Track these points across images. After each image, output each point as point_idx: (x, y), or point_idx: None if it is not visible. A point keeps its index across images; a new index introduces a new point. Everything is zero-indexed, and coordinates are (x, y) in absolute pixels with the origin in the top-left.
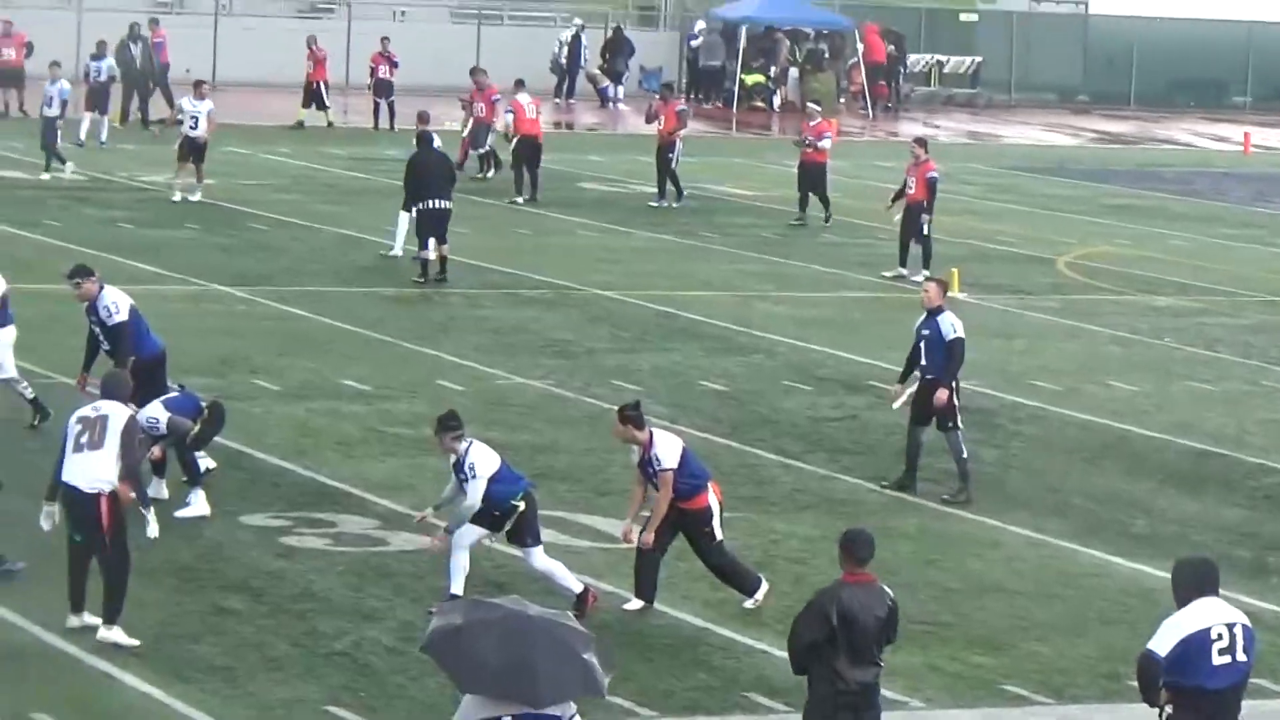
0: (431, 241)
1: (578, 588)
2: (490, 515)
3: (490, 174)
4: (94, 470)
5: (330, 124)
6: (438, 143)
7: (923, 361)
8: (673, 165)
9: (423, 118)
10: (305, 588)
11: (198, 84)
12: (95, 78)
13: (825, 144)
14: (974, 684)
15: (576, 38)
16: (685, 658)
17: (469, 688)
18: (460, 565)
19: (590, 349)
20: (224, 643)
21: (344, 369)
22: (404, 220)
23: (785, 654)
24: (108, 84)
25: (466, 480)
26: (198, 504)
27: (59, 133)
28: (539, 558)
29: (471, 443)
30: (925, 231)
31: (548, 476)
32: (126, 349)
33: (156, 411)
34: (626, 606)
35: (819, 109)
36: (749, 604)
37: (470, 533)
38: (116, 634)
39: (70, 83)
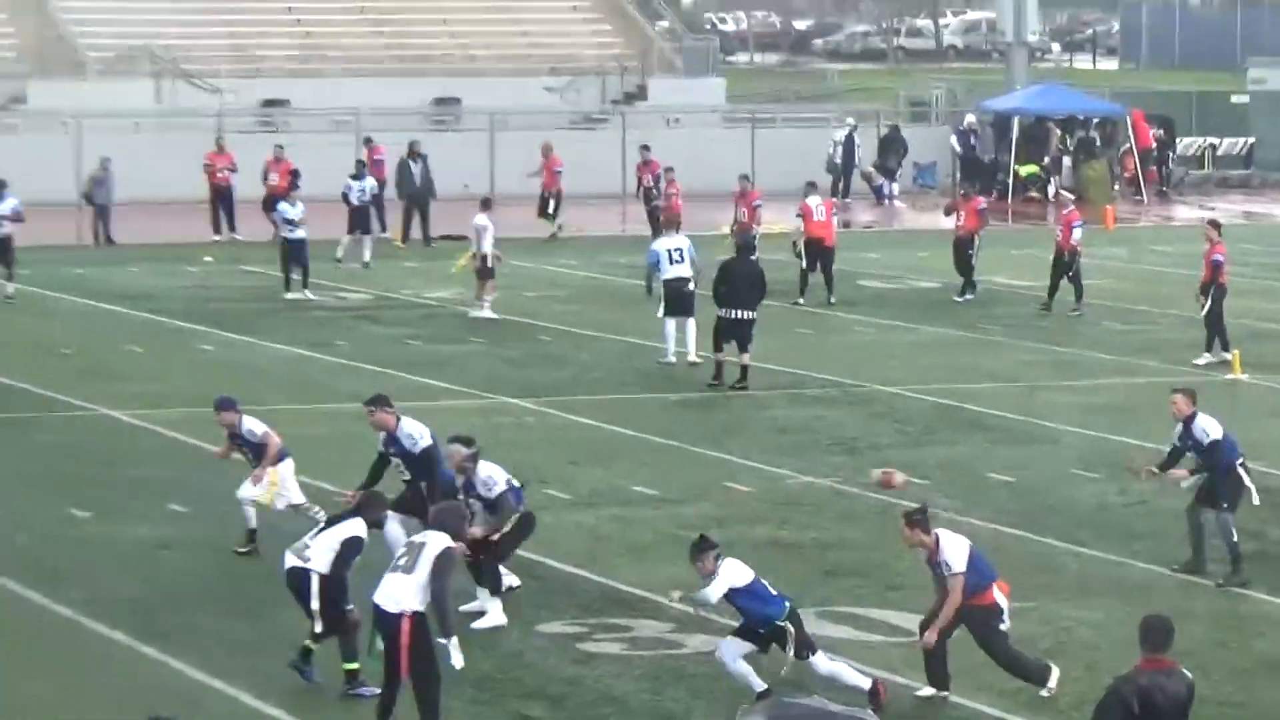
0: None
1: (866, 684)
2: (755, 633)
3: None
4: (400, 592)
5: (554, 235)
6: (756, 254)
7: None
8: (973, 261)
9: (744, 227)
10: (604, 693)
11: (486, 201)
12: (359, 198)
13: (1077, 233)
14: None
15: (850, 138)
16: None
17: None
18: (741, 671)
19: (874, 444)
20: None
21: (632, 475)
22: (669, 326)
23: None
24: (368, 205)
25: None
26: (494, 614)
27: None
28: (822, 664)
29: (723, 560)
30: (1204, 312)
31: (837, 573)
32: (437, 473)
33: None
34: (919, 693)
35: (1071, 198)
36: (1044, 693)
37: (735, 646)
38: None
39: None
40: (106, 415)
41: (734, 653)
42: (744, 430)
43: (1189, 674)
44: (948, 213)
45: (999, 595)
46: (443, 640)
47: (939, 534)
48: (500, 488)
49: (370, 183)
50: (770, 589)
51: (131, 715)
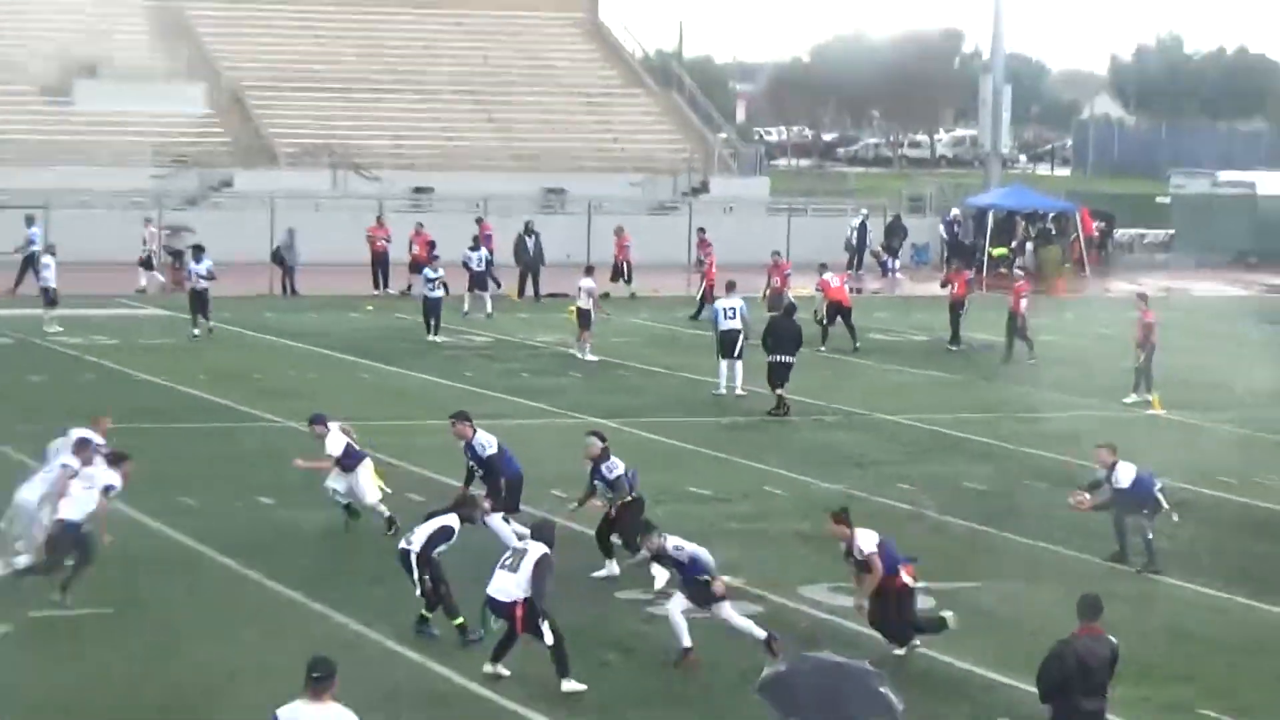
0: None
1: (763, 634)
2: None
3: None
4: (508, 586)
5: (633, 295)
6: (796, 314)
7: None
8: (961, 320)
9: (776, 292)
10: (663, 645)
11: (589, 268)
12: (477, 265)
13: (1024, 302)
14: (1176, 710)
15: (863, 224)
16: (954, 692)
17: (789, 716)
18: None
19: (878, 461)
20: (605, 687)
21: (689, 479)
22: (723, 366)
23: (1033, 688)
24: (484, 271)
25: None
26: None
27: (440, 305)
28: (732, 615)
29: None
30: (1139, 362)
31: (840, 558)
32: (500, 475)
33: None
34: (896, 652)
35: (1021, 273)
36: (950, 622)
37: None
38: (568, 685)
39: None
40: (289, 426)
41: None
42: (778, 447)
43: (1114, 640)
44: (944, 285)
45: (906, 577)
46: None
47: (855, 529)
48: (619, 472)
49: (483, 252)
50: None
51: (301, 656)
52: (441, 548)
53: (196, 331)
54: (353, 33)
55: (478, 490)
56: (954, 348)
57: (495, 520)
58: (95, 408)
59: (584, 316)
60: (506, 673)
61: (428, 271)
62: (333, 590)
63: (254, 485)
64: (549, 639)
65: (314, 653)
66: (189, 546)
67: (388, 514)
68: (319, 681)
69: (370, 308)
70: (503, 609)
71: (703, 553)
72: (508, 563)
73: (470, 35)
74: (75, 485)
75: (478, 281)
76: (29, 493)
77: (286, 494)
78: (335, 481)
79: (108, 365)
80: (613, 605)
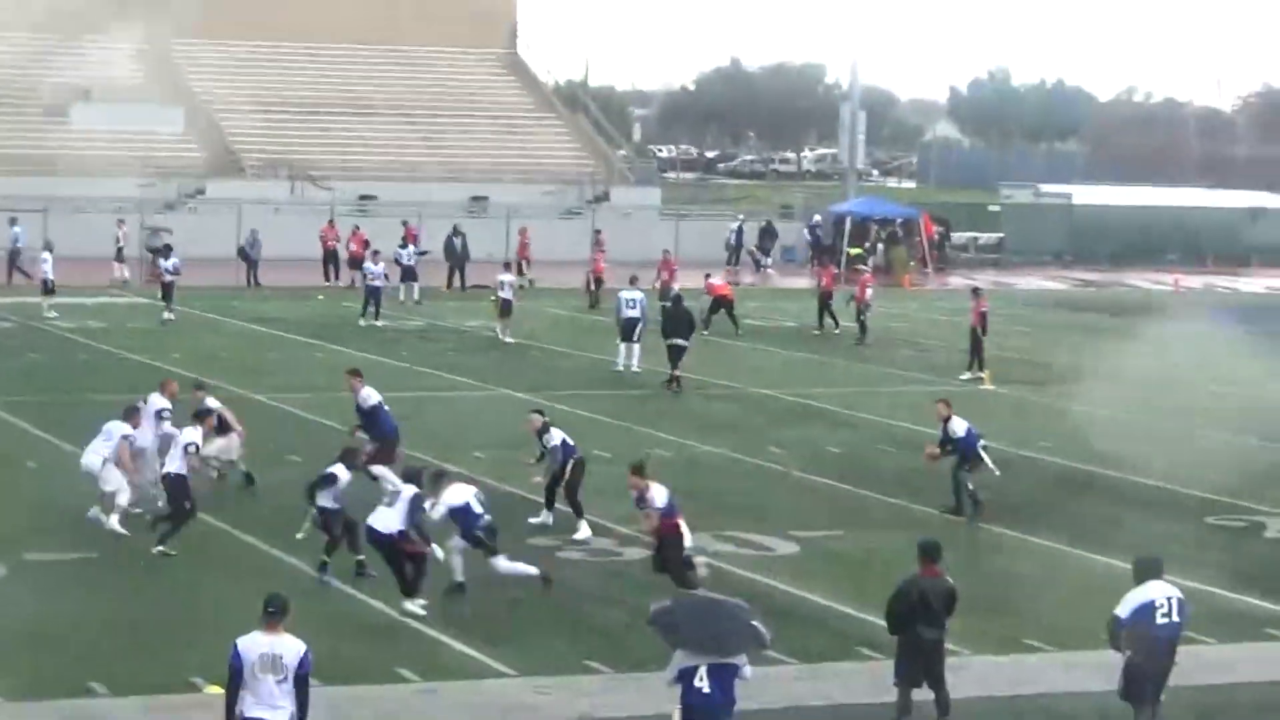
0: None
1: (536, 571)
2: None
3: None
4: (387, 520)
5: (530, 282)
6: (687, 302)
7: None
8: (832, 307)
9: (665, 284)
10: (569, 584)
11: (508, 264)
12: (403, 260)
13: (869, 292)
14: (1004, 639)
15: (740, 228)
16: (816, 625)
17: (678, 646)
18: (512, 568)
19: (752, 427)
20: (518, 621)
21: (593, 443)
22: (623, 348)
23: (883, 621)
24: (413, 265)
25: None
26: (584, 530)
27: (381, 293)
28: (502, 564)
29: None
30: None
31: (725, 510)
32: (379, 427)
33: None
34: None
35: (866, 268)
36: (699, 567)
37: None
38: (410, 604)
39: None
40: (252, 397)
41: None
42: (668, 416)
43: (951, 580)
44: (818, 279)
45: (683, 526)
46: (428, 548)
47: (651, 483)
48: (555, 443)
49: (412, 249)
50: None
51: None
52: (327, 492)
53: (166, 315)
54: (310, 64)
55: (359, 443)
56: (818, 331)
57: (378, 468)
58: (89, 383)
59: (505, 305)
60: (422, 608)
61: (368, 265)
62: (288, 537)
63: None
64: (437, 554)
65: (270, 590)
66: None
67: (246, 470)
68: (273, 615)
69: (321, 297)
70: (381, 540)
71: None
72: (387, 501)
73: (407, 67)
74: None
75: (408, 274)
76: (92, 459)
77: (249, 454)
78: (210, 447)
79: (98, 346)
80: (523, 551)
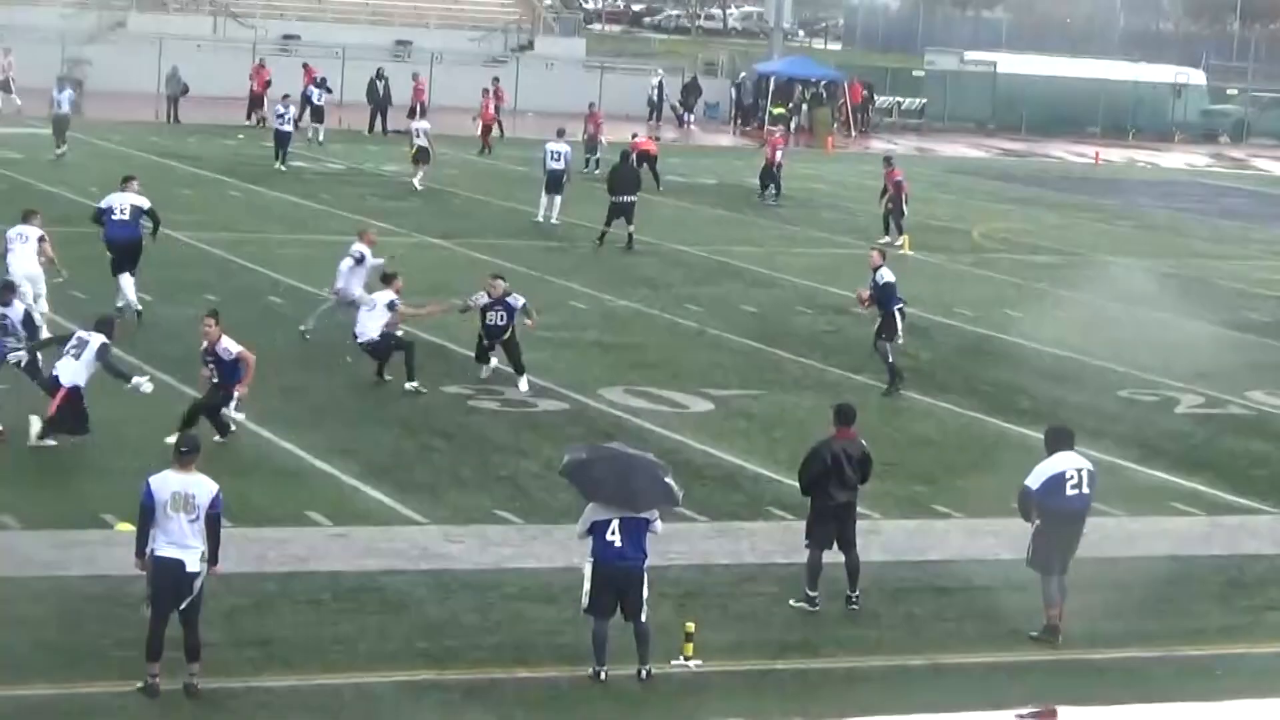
0: (621, 221)
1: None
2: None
3: (596, 170)
4: (70, 371)
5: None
6: (632, 160)
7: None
8: (775, 172)
9: (593, 139)
10: (481, 434)
11: (413, 111)
12: (314, 100)
13: (779, 153)
14: (914, 505)
15: (661, 84)
16: (728, 484)
17: (591, 498)
18: None
19: (668, 284)
20: (429, 469)
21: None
22: (544, 198)
23: (795, 482)
24: (321, 107)
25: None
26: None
27: (290, 138)
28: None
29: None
30: (886, 210)
31: (640, 366)
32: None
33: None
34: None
35: (777, 129)
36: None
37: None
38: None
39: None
40: (166, 234)
41: None
42: (584, 269)
43: (865, 443)
44: (765, 144)
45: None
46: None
47: (224, 336)
48: (523, 301)
49: (320, 91)
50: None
51: (169, 432)
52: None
53: (59, 151)
54: None
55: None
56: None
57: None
58: (9, 212)
59: (421, 153)
60: (53, 442)
61: (278, 107)
62: (195, 374)
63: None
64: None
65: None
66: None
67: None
68: (185, 454)
69: (241, 136)
70: (57, 387)
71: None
72: (72, 351)
73: None
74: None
75: (316, 114)
76: None
77: (161, 291)
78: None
79: (15, 177)
80: (437, 399)
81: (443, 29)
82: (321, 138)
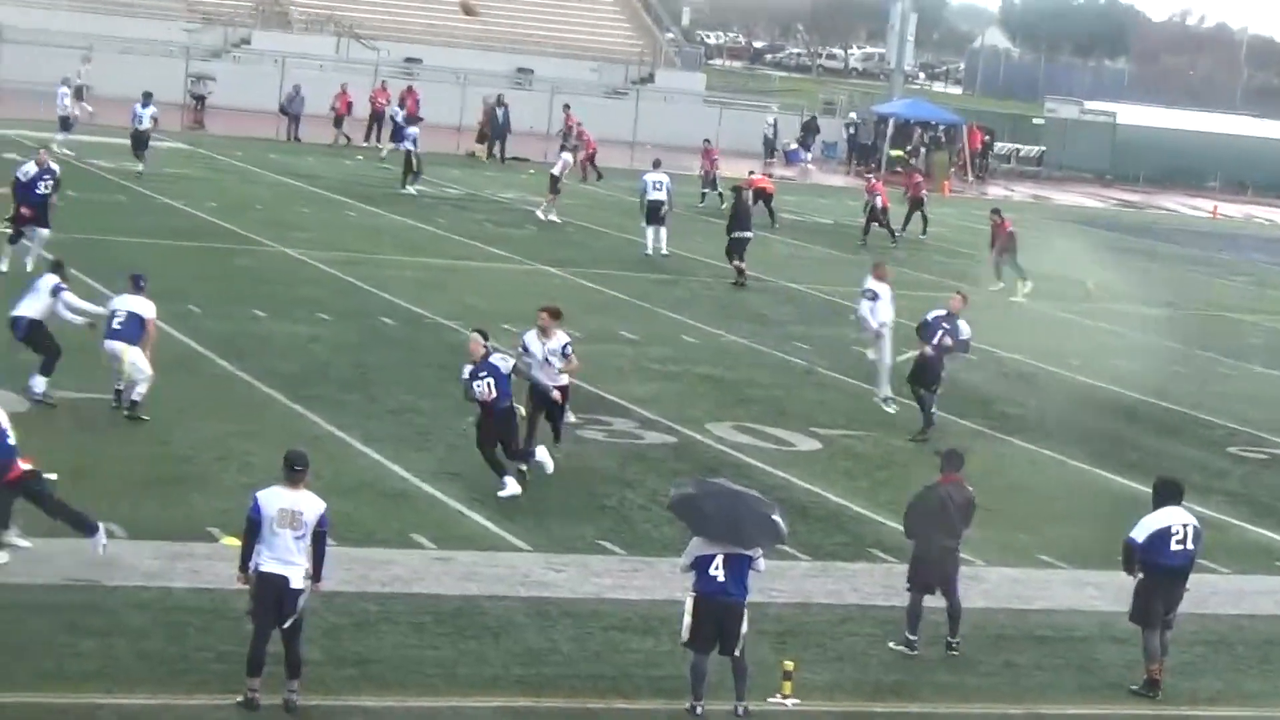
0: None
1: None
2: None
3: (719, 204)
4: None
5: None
6: (747, 196)
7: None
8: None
9: (708, 175)
10: (588, 463)
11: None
12: (395, 120)
13: (922, 190)
14: (1017, 553)
15: (775, 122)
16: (831, 524)
17: (697, 533)
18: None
19: (780, 321)
20: (535, 496)
21: (620, 324)
22: (649, 231)
23: (899, 525)
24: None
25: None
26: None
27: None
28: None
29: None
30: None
31: (748, 402)
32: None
33: None
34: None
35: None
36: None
37: None
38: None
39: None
40: (281, 251)
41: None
42: (696, 303)
43: (971, 489)
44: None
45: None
46: None
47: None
48: (511, 364)
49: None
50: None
51: (279, 448)
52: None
53: (138, 169)
54: None
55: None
56: (924, 237)
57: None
58: (130, 225)
59: (554, 182)
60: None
61: (407, 131)
62: (310, 393)
63: (249, 299)
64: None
65: (292, 446)
66: (191, 347)
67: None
68: (297, 472)
69: (360, 157)
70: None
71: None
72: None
73: None
74: None
75: (396, 134)
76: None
77: (276, 308)
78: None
79: (135, 189)
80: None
81: (563, 58)
82: (384, 153)
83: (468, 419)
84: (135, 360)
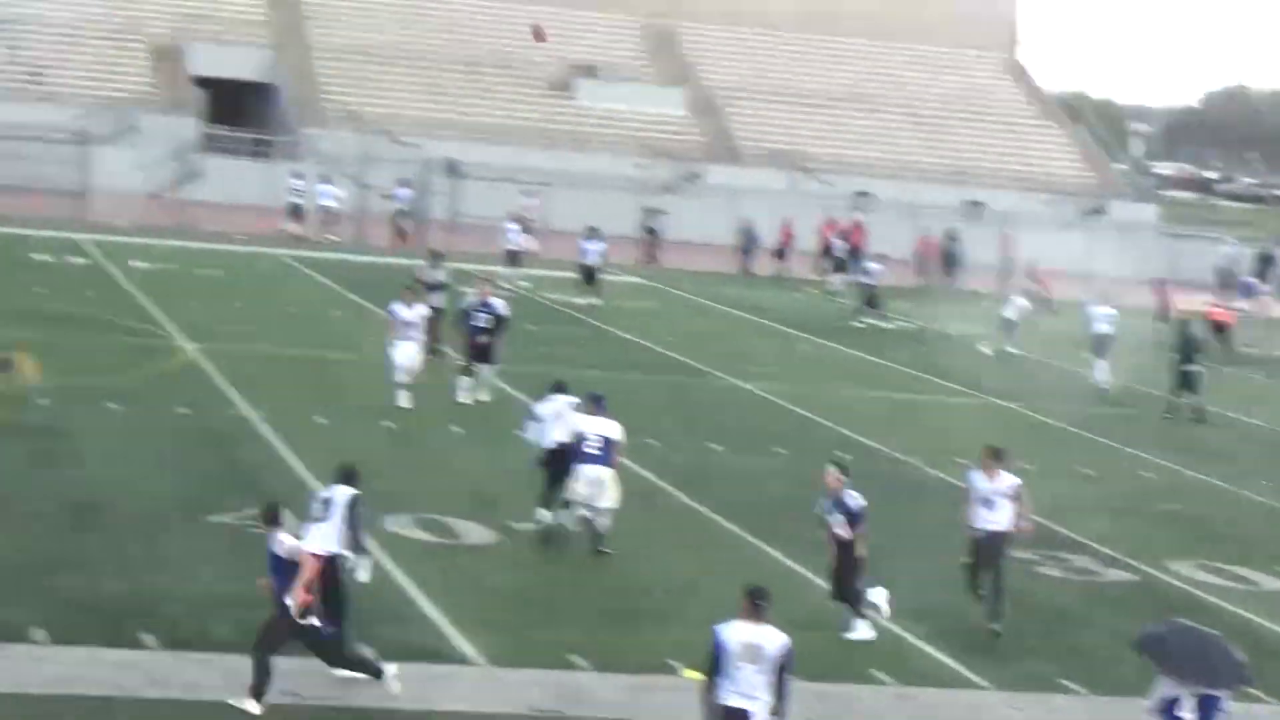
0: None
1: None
2: None
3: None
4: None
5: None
6: (1195, 328)
7: None
8: None
9: (1164, 311)
10: (1046, 600)
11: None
12: (834, 253)
13: None
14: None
15: (1233, 253)
16: None
17: (1167, 674)
18: None
19: (1240, 457)
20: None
21: (1074, 458)
22: (1100, 364)
23: None
24: (843, 259)
25: None
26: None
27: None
28: None
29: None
30: None
31: (1209, 539)
32: None
33: None
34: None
35: None
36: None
37: None
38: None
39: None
40: (738, 385)
41: None
42: (1152, 437)
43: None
44: None
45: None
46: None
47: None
48: (863, 502)
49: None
50: None
51: (737, 582)
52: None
53: (587, 300)
54: (815, 56)
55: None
56: None
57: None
58: (589, 357)
59: (1008, 324)
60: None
61: (867, 264)
62: (767, 527)
63: (704, 431)
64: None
65: (748, 580)
66: (648, 479)
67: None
68: (760, 606)
69: (814, 291)
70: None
71: None
72: (317, 515)
73: (913, 65)
74: None
75: (838, 265)
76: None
77: (733, 441)
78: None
79: (590, 321)
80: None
81: (1014, 190)
82: (833, 287)
83: (944, 557)
84: (610, 485)
